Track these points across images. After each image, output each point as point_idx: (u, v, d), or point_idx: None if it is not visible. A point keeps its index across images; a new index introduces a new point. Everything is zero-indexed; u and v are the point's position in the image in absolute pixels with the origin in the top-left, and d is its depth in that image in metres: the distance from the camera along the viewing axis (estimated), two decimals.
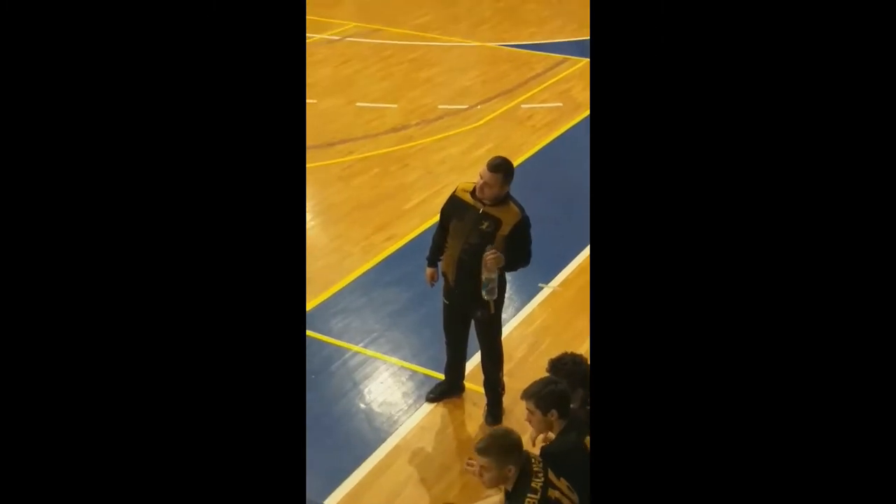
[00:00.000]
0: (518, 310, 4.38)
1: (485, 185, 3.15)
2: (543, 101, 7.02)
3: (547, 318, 4.29)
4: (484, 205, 3.19)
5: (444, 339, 3.65)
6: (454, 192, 3.39)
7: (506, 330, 4.11)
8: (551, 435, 2.74)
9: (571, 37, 8.66)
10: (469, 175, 5.72)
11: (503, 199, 3.20)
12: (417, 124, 6.60)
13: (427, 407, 3.73)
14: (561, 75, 7.62)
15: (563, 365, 2.85)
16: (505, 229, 3.17)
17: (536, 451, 2.66)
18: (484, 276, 3.19)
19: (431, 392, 3.76)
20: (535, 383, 2.74)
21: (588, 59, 7.87)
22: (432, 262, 3.54)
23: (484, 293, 3.24)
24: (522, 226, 3.20)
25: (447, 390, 3.75)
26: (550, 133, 6.45)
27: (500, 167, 3.15)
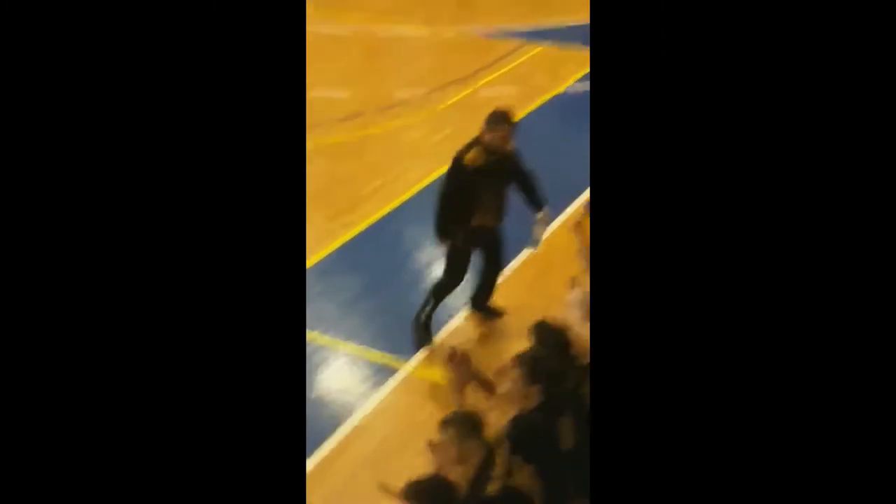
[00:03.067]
0: None
1: (506, 140, 3.43)
2: (500, 88, 6.88)
3: (502, 301, 4.15)
4: (499, 157, 3.47)
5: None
6: (464, 167, 3.44)
7: (460, 315, 4.05)
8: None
9: (527, 23, 8.49)
10: (427, 162, 5.56)
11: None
12: (374, 111, 6.39)
13: (383, 392, 3.64)
14: (517, 61, 7.51)
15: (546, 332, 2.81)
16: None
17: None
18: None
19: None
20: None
21: (543, 46, 7.76)
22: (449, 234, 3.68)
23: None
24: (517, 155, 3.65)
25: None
26: None
27: (504, 118, 3.45)
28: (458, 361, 2.69)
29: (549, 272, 4.18)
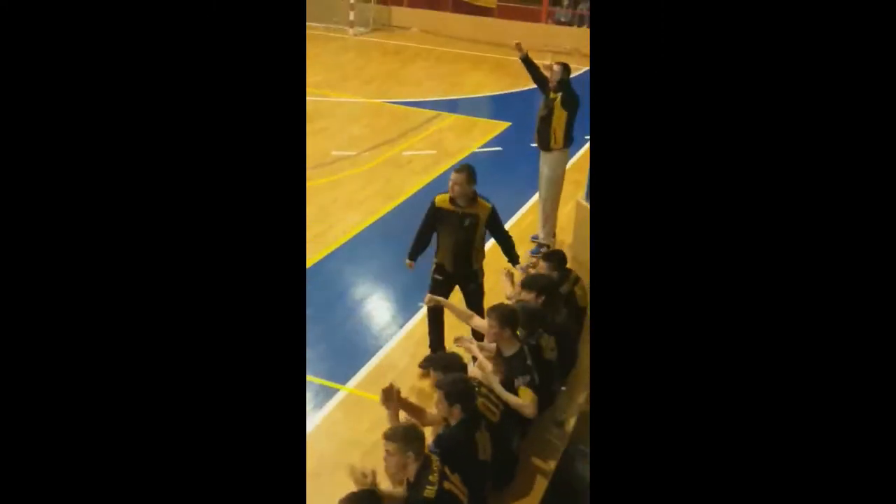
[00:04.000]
0: (401, 326, 4.69)
1: (454, 184, 3.75)
2: (420, 149, 7.53)
3: (426, 331, 4.61)
4: (460, 207, 3.79)
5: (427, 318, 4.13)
6: (434, 204, 3.84)
7: (390, 343, 4.45)
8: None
9: (443, 96, 9.40)
10: (360, 210, 6.10)
11: (473, 198, 3.81)
12: (314, 167, 6.86)
13: (321, 413, 3.89)
14: (434, 128, 8.21)
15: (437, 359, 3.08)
16: (482, 221, 3.85)
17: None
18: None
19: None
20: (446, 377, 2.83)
21: (455, 115, 8.56)
22: (414, 256, 4.01)
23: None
24: (495, 214, 3.89)
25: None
26: (427, 176, 6.95)
27: (464, 168, 3.82)
28: (390, 396, 2.83)
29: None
